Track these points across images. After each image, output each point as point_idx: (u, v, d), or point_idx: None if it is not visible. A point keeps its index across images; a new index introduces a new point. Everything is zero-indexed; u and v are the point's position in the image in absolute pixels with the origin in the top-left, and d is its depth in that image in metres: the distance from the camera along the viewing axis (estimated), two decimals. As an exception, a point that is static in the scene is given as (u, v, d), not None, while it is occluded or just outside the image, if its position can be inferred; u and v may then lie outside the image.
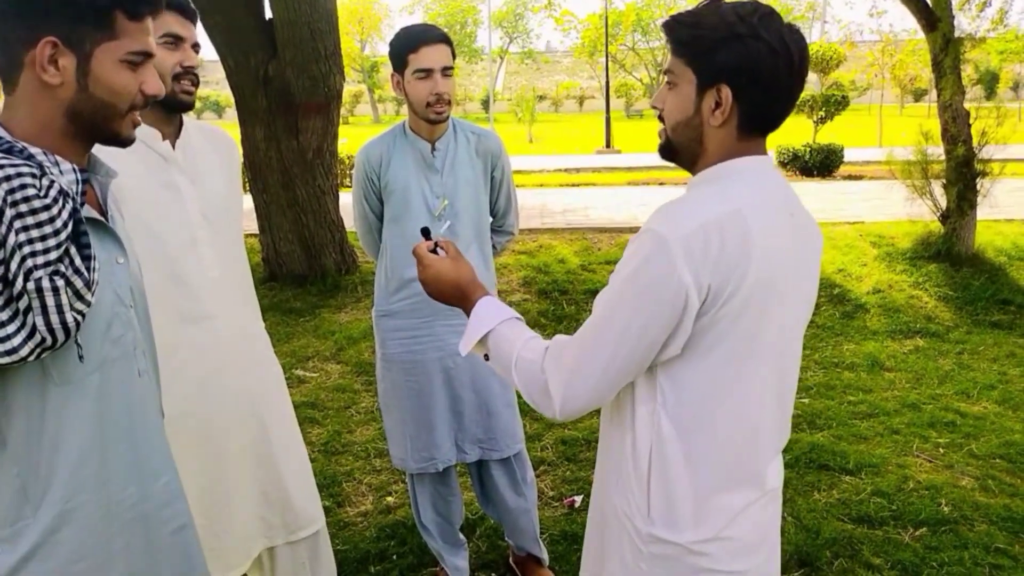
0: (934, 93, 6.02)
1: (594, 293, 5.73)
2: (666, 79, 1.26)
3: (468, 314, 1.41)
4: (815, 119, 13.54)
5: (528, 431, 3.70)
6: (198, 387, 1.87)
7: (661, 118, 1.29)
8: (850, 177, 11.82)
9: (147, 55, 1.17)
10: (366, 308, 5.69)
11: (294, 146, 5.89)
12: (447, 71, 2.24)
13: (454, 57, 2.29)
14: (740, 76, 1.16)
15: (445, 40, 2.24)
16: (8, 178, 1.04)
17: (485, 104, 35.02)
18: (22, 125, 1.13)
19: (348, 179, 11.50)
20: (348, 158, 11.52)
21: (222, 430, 1.92)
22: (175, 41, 1.79)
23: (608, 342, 1.19)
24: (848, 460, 3.34)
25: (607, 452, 1.36)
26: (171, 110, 1.84)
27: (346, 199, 6.43)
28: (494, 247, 2.57)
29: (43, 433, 1.13)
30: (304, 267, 6.20)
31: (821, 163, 11.99)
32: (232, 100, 6.17)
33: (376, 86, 40.65)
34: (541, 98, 38.23)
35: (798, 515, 2.94)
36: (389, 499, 3.24)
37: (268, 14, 5.69)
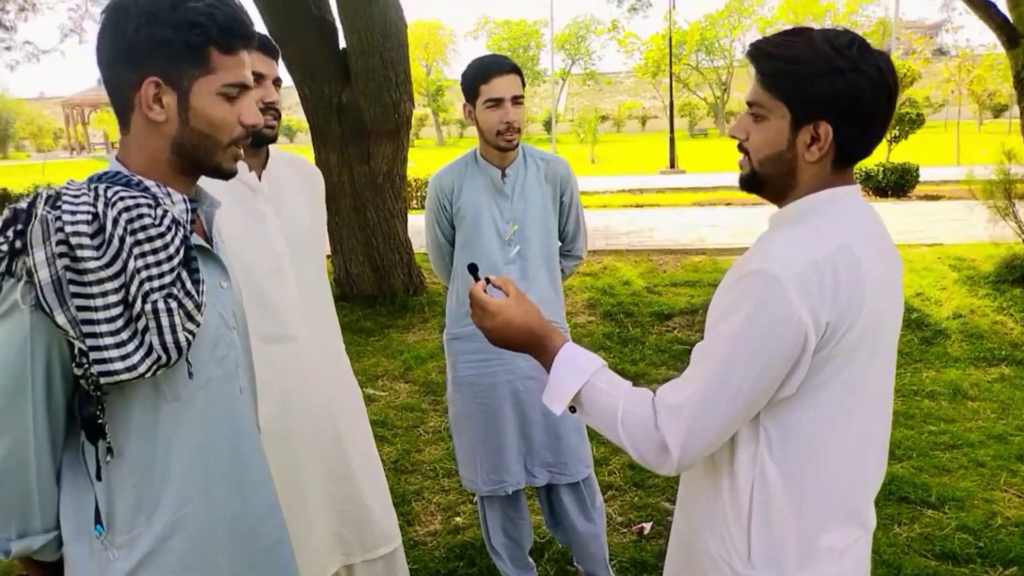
0: (1015, 108, 5.79)
1: (660, 316, 5.68)
2: (751, 110, 1.22)
3: (545, 364, 1.32)
4: (889, 138, 13.15)
5: (595, 455, 3.67)
6: (280, 406, 1.94)
7: (742, 148, 1.25)
8: (927, 197, 11.43)
9: (243, 87, 1.23)
10: (433, 328, 5.78)
11: (365, 171, 6.05)
12: (517, 100, 2.30)
13: (524, 86, 2.35)
14: (841, 112, 1.13)
15: (515, 70, 2.31)
16: (128, 209, 1.12)
17: (547, 125, 35.26)
18: (136, 160, 1.21)
19: (416, 202, 11.73)
20: (415, 181, 11.75)
21: (301, 448, 1.99)
22: (256, 78, 1.85)
23: (728, 391, 1.14)
24: (930, 493, 3.22)
25: (696, 491, 1.33)
26: (255, 144, 1.92)
27: (415, 221, 6.57)
28: (562, 271, 2.60)
29: (156, 446, 1.21)
30: (374, 288, 6.34)
31: (895, 183, 11.64)
32: (303, 125, 6.37)
33: (440, 109, 41.36)
34: (603, 118, 38.25)
35: (878, 550, 2.84)
36: (458, 519, 3.26)
37: (342, 44, 5.89)
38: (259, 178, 1.95)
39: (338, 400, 2.09)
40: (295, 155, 2.13)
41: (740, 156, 1.27)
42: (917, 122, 13.14)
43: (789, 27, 1.25)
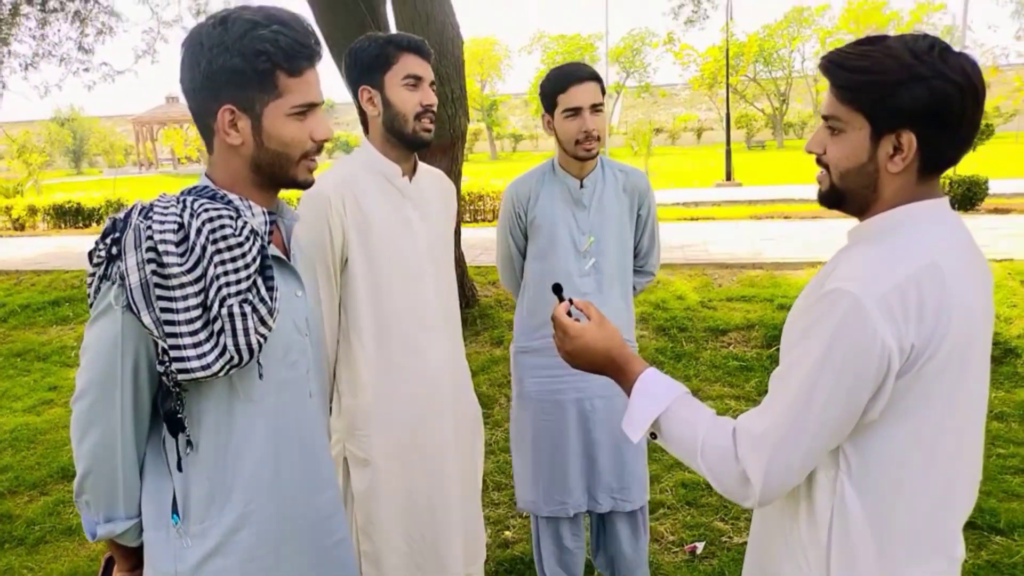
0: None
1: (714, 331, 5.60)
2: (827, 123, 1.18)
3: (625, 389, 1.30)
4: (955, 149, 12.69)
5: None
6: (418, 412, 2.00)
7: (821, 162, 1.21)
8: (996, 211, 11.01)
9: (312, 105, 1.29)
10: (484, 342, 5.81)
11: (420, 185, 6.13)
12: (596, 108, 2.25)
13: (603, 94, 2.30)
14: (926, 120, 1.09)
15: (594, 78, 2.26)
16: (211, 220, 1.21)
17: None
18: (221, 176, 1.30)
19: (468, 215, 11.82)
20: (468, 195, 11.86)
21: (440, 455, 2.05)
22: (416, 82, 1.91)
23: (811, 420, 1.10)
24: (998, 519, 3.09)
25: (771, 513, 1.29)
26: (413, 147, 1.96)
27: (467, 235, 6.62)
28: (634, 287, 2.52)
29: (229, 442, 1.28)
30: (426, 300, 6.40)
31: (963, 196, 11.23)
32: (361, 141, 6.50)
33: (495, 124, 41.68)
34: (658, 131, 37.93)
35: (941, 576, 2.73)
36: (507, 533, 3.27)
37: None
38: (410, 182, 2.00)
39: (464, 409, 2.13)
40: (433, 168, 2.18)
41: (818, 170, 1.23)
42: (986, 132, 12.68)
43: (850, 37, 1.21)
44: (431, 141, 1.95)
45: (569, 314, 1.38)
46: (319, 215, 1.87)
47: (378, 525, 1.99)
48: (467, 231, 6.76)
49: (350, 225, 1.89)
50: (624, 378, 1.30)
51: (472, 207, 12.01)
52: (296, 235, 1.43)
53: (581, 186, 2.34)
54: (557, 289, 1.45)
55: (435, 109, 1.92)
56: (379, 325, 1.93)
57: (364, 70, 1.93)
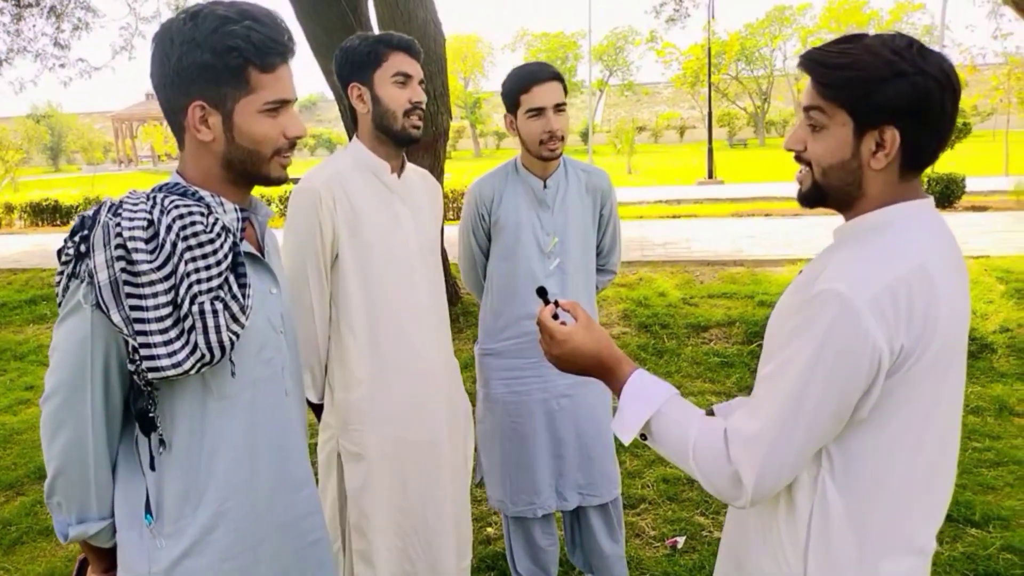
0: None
1: (696, 328, 5.63)
2: (807, 120, 1.18)
3: (615, 391, 1.29)
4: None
5: (628, 467, 3.66)
6: (413, 407, 2.00)
7: (801, 159, 1.20)
8: (973, 208, 11.15)
9: (284, 102, 1.27)
10: (467, 339, 5.80)
11: (402, 182, 6.11)
12: (559, 108, 2.24)
13: (566, 93, 2.29)
14: (908, 116, 1.10)
15: (556, 77, 2.25)
16: (181, 216, 1.19)
17: (584, 136, 35.22)
18: (192, 173, 1.29)
19: (451, 212, 11.80)
20: (451, 192, 11.84)
21: (434, 450, 2.05)
22: (405, 80, 1.92)
23: (803, 420, 1.10)
24: (974, 511, 3.13)
25: (748, 511, 1.28)
26: (402, 143, 1.97)
27: (451, 232, 6.61)
28: (596, 286, 2.53)
29: (203, 441, 1.27)
30: (409, 298, 6.38)
31: (940, 194, 11.37)
32: (343, 138, 6.46)
33: (478, 121, 41.64)
34: (641, 129, 38.08)
35: (918, 568, 2.77)
36: (489, 530, 3.27)
37: (381, 58, 5.97)
38: (399, 179, 2.01)
39: (458, 405, 2.15)
40: (418, 167, 2.18)
41: (799, 169, 1.22)
42: (963, 131, 12.84)
43: (831, 36, 1.22)
44: (420, 138, 1.96)
45: (556, 316, 1.34)
46: (309, 210, 1.88)
47: (372, 521, 1.98)
48: (450, 228, 6.74)
49: (340, 220, 1.90)
50: (614, 380, 1.29)
51: (455, 204, 11.99)
52: (271, 232, 1.42)
53: (545, 187, 2.33)
54: (542, 292, 1.40)
55: (424, 106, 1.93)
56: (372, 320, 1.93)
57: (354, 68, 1.95)
